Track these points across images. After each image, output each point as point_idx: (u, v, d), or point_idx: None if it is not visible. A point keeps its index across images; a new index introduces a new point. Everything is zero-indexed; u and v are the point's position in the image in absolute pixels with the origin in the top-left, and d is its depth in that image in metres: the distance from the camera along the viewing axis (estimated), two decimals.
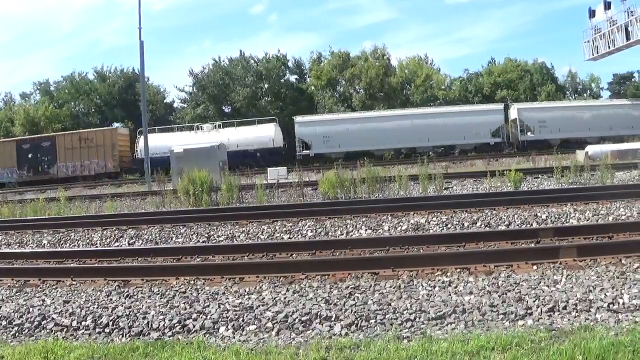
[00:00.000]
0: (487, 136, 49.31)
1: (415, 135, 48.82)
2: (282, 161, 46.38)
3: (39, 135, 57.67)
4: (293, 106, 60.67)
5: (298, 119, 52.22)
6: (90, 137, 52.89)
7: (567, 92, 64.93)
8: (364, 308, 8.19)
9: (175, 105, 69.82)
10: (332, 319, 7.97)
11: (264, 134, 50.54)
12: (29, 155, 53.53)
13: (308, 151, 50.36)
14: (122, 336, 8.18)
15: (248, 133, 50.67)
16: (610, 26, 42.71)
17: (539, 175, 24.16)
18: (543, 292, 8.33)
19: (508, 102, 54.33)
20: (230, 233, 15.56)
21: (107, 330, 8.41)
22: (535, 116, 49.45)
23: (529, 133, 49.44)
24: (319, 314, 8.12)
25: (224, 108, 63.98)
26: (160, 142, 48.59)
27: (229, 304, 8.89)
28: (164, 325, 8.26)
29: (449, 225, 14.60)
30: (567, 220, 14.33)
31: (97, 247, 15.72)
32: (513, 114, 50.36)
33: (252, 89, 61.92)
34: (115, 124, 65.92)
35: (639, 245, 10.19)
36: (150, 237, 15.91)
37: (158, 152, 45.46)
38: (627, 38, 40.71)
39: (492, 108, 51.76)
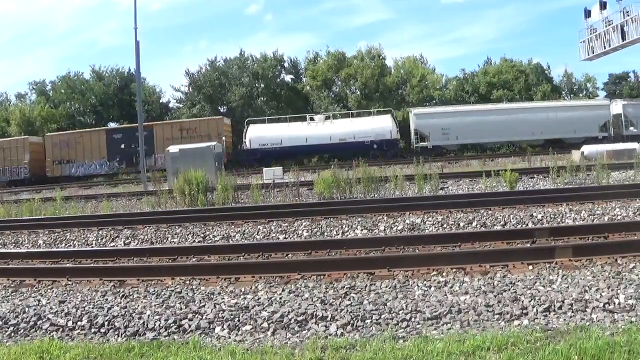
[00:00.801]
0: (595, 130, 47.95)
1: (527, 129, 47.51)
2: (399, 153, 46.34)
3: (132, 125, 53.72)
4: (288, 106, 60.62)
5: (415, 110, 51.05)
6: (193, 127, 51.13)
7: (563, 92, 64.92)
8: (359, 308, 8.19)
9: (171, 105, 69.75)
10: (328, 319, 7.97)
11: (381, 125, 48.91)
12: (121, 146, 51.23)
13: (426, 143, 48.72)
14: (118, 336, 8.17)
15: (365, 124, 49.20)
16: (606, 26, 42.74)
17: (535, 175, 24.24)
18: (539, 292, 8.33)
19: (503, 101, 54.34)
20: (225, 233, 15.55)
21: (102, 330, 8.40)
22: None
23: None
24: (314, 314, 8.12)
25: (219, 108, 63.88)
26: (271, 132, 48.38)
27: (224, 304, 8.89)
28: (159, 325, 8.25)
29: (445, 225, 14.62)
30: (563, 220, 14.37)
31: (92, 247, 15.70)
32: None
33: (247, 89, 61.86)
34: (111, 124, 65.87)
35: (635, 245, 10.22)
36: (146, 237, 15.90)
37: (269, 143, 45.61)
38: (623, 38, 40.76)
39: (598, 103, 51.39)
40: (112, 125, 63.82)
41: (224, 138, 47.90)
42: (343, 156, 42.53)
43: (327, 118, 50.75)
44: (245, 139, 49.75)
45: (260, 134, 47.92)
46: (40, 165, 52.02)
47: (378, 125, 48.81)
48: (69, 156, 51.61)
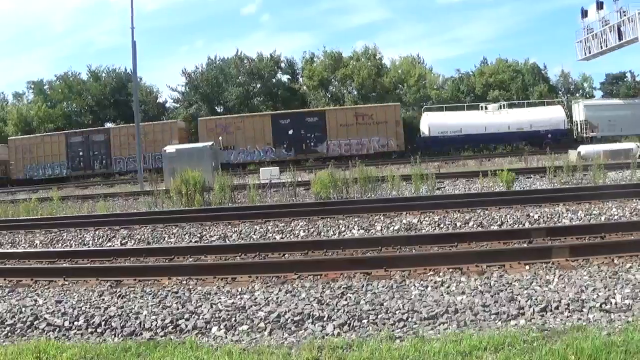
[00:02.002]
0: None
1: None
2: (569, 142, 45.55)
3: (301, 110, 54.39)
4: (285, 106, 60.57)
5: (586, 102, 51.33)
6: (369, 113, 50.36)
7: (560, 92, 64.97)
8: (356, 308, 8.19)
9: (167, 105, 69.69)
10: (325, 319, 7.97)
11: (556, 115, 49.58)
12: (289, 132, 50.32)
13: (595, 133, 48.48)
14: (115, 336, 8.16)
15: (540, 114, 49.35)
16: (603, 26, 42.81)
17: (532, 175, 24.25)
18: (535, 292, 8.34)
19: (501, 102, 54.33)
20: (222, 233, 15.54)
21: (99, 330, 8.39)
22: None
23: None
24: (311, 314, 8.12)
25: (216, 108, 63.86)
26: (450, 120, 48.64)
27: (221, 304, 8.89)
28: (156, 325, 8.25)
29: (442, 225, 14.62)
30: (560, 220, 14.37)
31: (89, 247, 15.67)
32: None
33: (244, 89, 61.84)
34: (108, 124, 65.78)
35: (631, 245, 10.23)
36: (143, 237, 15.88)
37: (449, 130, 46.07)
38: (620, 38, 40.83)
39: None
40: (109, 125, 63.74)
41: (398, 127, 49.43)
42: (516, 145, 44.57)
43: (500, 108, 51.17)
44: (424, 126, 49.62)
45: (440, 121, 48.03)
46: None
47: (552, 115, 49.42)
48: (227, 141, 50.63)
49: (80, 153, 52.47)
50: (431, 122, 48.74)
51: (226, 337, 7.74)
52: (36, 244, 16.45)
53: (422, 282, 9.43)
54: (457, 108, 52.66)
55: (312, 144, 50.10)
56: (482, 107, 51.12)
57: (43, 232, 17.54)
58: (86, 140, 52.56)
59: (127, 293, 10.09)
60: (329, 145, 49.68)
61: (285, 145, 50.21)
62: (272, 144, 50.29)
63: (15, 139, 55.62)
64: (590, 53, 44.97)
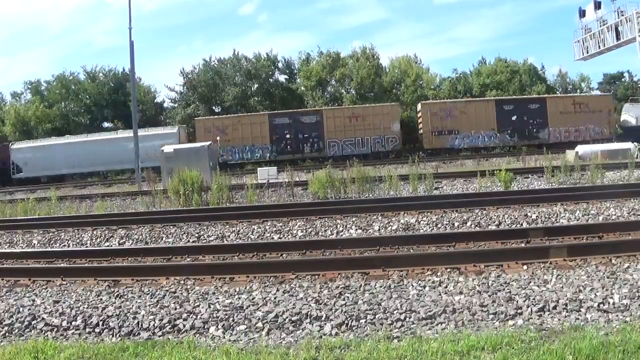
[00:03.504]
0: None
1: None
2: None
3: (524, 97, 54.46)
4: (283, 106, 60.59)
5: None
6: (585, 102, 50.93)
7: (558, 92, 65.04)
8: (354, 308, 8.19)
9: (165, 105, 69.72)
10: (323, 318, 7.97)
11: None
12: (513, 118, 50.49)
13: None
14: (112, 336, 8.15)
15: None
16: (601, 26, 42.74)
17: (529, 175, 24.30)
18: (533, 292, 8.35)
19: None
20: (220, 233, 15.54)
21: (97, 330, 8.38)
22: None
23: None
24: (309, 313, 8.12)
25: (214, 108, 63.85)
26: None
27: (219, 304, 8.88)
28: (154, 325, 8.25)
29: (439, 225, 14.62)
30: (557, 220, 14.38)
31: (87, 247, 15.66)
32: None
33: (241, 89, 61.82)
34: (105, 124, 65.82)
35: (629, 245, 10.24)
36: (141, 237, 15.88)
37: None
38: (618, 38, 40.77)
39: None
40: (106, 125, 63.81)
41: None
42: None
43: None
44: (623, 117, 50.29)
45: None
46: None
47: None
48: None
49: (287, 136, 51.46)
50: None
51: (224, 337, 7.73)
52: (34, 244, 16.44)
53: (420, 282, 9.43)
54: None
55: (534, 130, 50.76)
56: None
57: (41, 232, 17.53)
58: (294, 121, 51.47)
59: (125, 293, 10.08)
60: (550, 131, 50.40)
61: (509, 131, 50.63)
62: (497, 130, 50.68)
63: (204, 119, 54.22)
64: (588, 53, 44.91)
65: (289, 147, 51.18)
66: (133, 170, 39.30)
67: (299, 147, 51.04)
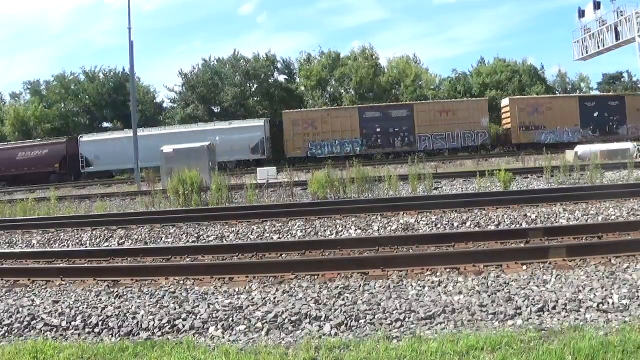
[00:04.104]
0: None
1: None
2: None
3: (605, 94, 55.47)
4: (282, 106, 60.54)
5: None
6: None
7: (557, 92, 65.05)
8: (353, 308, 8.19)
9: (164, 105, 69.69)
10: (322, 318, 7.96)
11: None
12: (594, 114, 51.01)
13: None
14: (112, 336, 8.15)
15: None
16: (600, 26, 42.78)
17: (529, 175, 24.30)
18: (532, 292, 8.34)
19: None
20: (219, 233, 15.54)
21: (96, 330, 8.38)
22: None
23: None
24: (308, 313, 8.12)
25: (213, 108, 63.81)
26: None
27: (218, 304, 8.88)
28: (153, 325, 8.24)
29: (439, 225, 14.62)
30: (557, 220, 14.38)
31: (86, 247, 15.66)
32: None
33: (240, 89, 61.78)
34: (105, 124, 65.81)
35: (629, 245, 10.24)
36: (140, 237, 15.88)
37: None
38: (617, 38, 40.82)
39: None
40: (105, 124, 63.80)
41: None
42: None
43: None
44: None
45: None
46: None
47: None
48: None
49: (377, 129, 51.20)
50: None
51: (223, 337, 7.73)
52: (33, 244, 16.44)
53: (419, 282, 9.43)
54: None
55: (614, 126, 51.08)
56: None
57: (40, 232, 17.53)
58: (384, 115, 51.26)
59: (124, 293, 10.09)
60: (628, 127, 50.83)
61: (590, 127, 50.98)
62: (580, 125, 50.87)
63: (291, 112, 53.72)
64: (587, 53, 44.94)
65: (379, 140, 51.08)
66: (221, 165, 38.99)
67: (389, 141, 50.95)
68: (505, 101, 53.18)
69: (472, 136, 50.69)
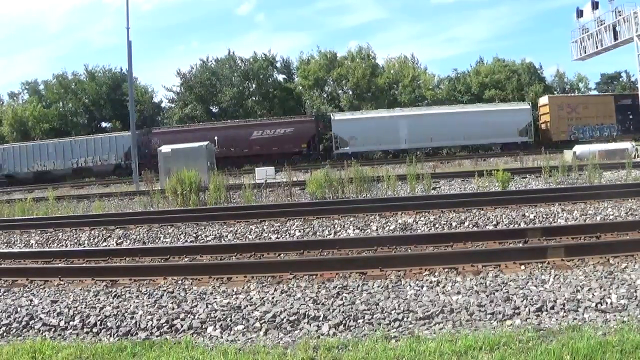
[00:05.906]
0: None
1: None
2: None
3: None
4: (281, 106, 60.52)
5: None
6: None
7: (556, 92, 65.08)
8: (351, 308, 8.19)
9: (163, 105, 69.68)
10: (320, 318, 7.96)
11: None
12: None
13: None
14: (110, 336, 8.15)
15: None
16: (598, 26, 42.82)
17: (527, 175, 24.31)
18: (531, 292, 8.34)
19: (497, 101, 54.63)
20: (218, 233, 15.53)
21: (95, 330, 8.37)
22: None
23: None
24: (306, 313, 8.12)
25: (211, 108, 63.79)
26: None
27: (216, 304, 8.88)
28: (151, 325, 8.24)
29: (437, 225, 14.62)
30: (555, 220, 14.39)
31: (85, 247, 15.64)
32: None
33: (239, 89, 61.74)
34: (104, 124, 65.79)
35: (627, 245, 10.24)
36: (138, 237, 15.87)
37: None
38: (615, 38, 40.86)
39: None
40: (105, 125, 63.83)
41: None
42: None
43: None
44: None
45: None
46: None
47: None
48: None
49: (630, 116, 52.93)
50: None
51: (222, 337, 7.73)
52: (32, 244, 16.42)
53: (417, 282, 9.43)
54: None
55: None
56: None
57: (38, 232, 17.51)
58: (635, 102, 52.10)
59: (123, 293, 10.08)
60: None
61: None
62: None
63: (556, 97, 55.07)
64: (585, 53, 44.97)
65: (631, 127, 52.54)
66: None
67: None
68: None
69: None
